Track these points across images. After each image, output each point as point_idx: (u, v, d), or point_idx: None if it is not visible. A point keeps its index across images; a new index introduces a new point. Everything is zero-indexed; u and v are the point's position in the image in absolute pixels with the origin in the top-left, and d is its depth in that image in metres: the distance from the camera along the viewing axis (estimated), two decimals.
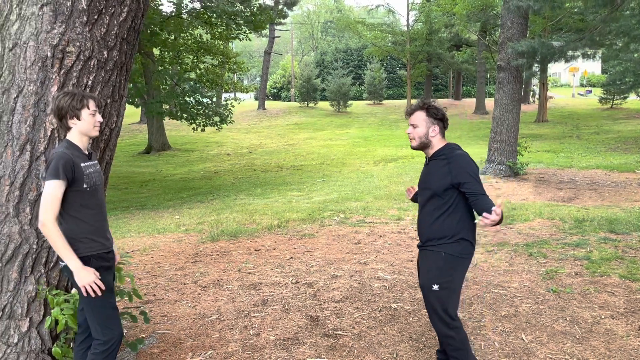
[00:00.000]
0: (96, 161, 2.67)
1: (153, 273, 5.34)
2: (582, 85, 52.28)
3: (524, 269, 4.95)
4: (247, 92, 28.66)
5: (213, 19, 17.40)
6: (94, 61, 2.82)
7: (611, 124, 25.67)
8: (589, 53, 11.98)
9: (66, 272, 2.50)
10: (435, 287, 2.76)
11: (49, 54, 2.75)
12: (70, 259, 2.40)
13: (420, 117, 2.83)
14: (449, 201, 2.75)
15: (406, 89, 42.15)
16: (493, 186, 10.68)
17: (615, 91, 29.22)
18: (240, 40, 18.89)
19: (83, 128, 2.54)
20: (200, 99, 17.83)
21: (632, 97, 33.69)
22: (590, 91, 42.78)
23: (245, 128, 31.95)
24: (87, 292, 2.44)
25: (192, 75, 20.03)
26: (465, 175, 2.68)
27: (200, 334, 3.69)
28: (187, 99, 17.21)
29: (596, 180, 11.05)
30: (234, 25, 17.80)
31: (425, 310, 3.92)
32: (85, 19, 2.77)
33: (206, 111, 17.81)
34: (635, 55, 18.65)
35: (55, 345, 2.84)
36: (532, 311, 3.88)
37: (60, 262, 2.54)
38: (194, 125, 17.67)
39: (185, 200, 11.80)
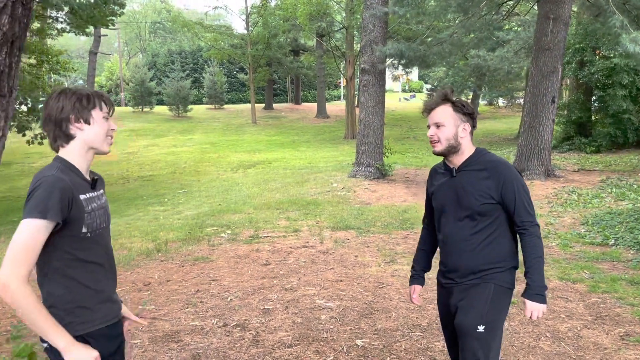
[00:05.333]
0: (102, 191, 1.83)
1: (15, 333, 3.94)
2: (403, 90, 57.03)
3: None
4: None
5: (41, 11, 14.83)
6: None
7: None
8: (449, 59, 12.68)
9: (52, 355, 1.64)
10: (481, 328, 2.14)
11: None
12: (56, 334, 1.56)
13: (446, 113, 2.19)
14: (495, 221, 2.18)
15: (246, 93, 41.65)
16: (368, 189, 10.61)
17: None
18: (76, 34, 16.54)
19: (92, 137, 1.73)
20: (34, 106, 14.84)
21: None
22: (414, 96, 46.77)
23: None
24: None
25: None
26: (516, 194, 2.14)
27: None
28: (19, 107, 14.18)
29: None
30: (63, 19, 15.44)
31: (399, 344, 3.36)
32: None
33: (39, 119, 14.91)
34: (461, 62, 20.54)
35: None
36: (507, 330, 3.54)
37: (42, 344, 1.67)
38: (28, 138, 14.35)
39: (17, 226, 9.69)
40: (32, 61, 19.72)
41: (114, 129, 1.80)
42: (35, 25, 17.57)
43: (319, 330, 3.66)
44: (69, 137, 1.71)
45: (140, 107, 36.46)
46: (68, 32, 17.59)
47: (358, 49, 21.71)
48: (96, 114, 1.73)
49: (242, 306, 4.21)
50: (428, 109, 2.24)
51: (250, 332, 3.68)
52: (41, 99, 19.53)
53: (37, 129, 14.59)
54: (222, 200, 10.40)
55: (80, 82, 52.02)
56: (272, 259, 5.67)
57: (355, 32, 25.15)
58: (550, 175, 10.43)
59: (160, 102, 37.15)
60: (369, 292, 4.44)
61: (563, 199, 8.32)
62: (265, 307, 4.17)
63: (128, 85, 39.26)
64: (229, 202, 9.94)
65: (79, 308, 1.68)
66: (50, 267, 1.64)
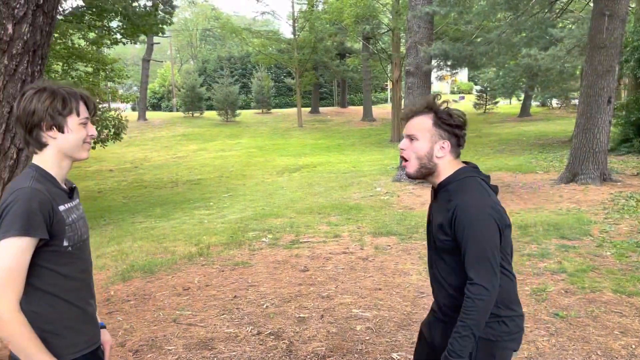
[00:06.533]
0: (78, 200, 1.69)
1: None
2: (452, 92, 55.91)
3: None
4: (127, 101, 26.39)
5: (97, 22, 15.42)
6: None
7: (489, 127, 27.39)
8: (498, 60, 12.29)
9: None
10: None
11: None
12: None
13: (423, 125, 1.84)
14: None
15: (293, 97, 41.92)
16: (413, 193, 10.39)
17: (497, 94, 30.98)
18: (124, 44, 17.14)
19: (67, 146, 1.60)
20: None
21: (502, 102, 36.60)
22: (463, 97, 45.79)
23: (125, 141, 29.32)
24: None
25: (62, 84, 17.81)
26: (465, 241, 1.73)
27: None
28: None
29: (507, 182, 11.24)
30: (117, 28, 16.03)
31: None
32: None
33: (97, 126, 15.48)
34: (512, 62, 19.88)
35: None
36: (554, 346, 3.33)
37: None
38: None
39: None
40: (89, 69, 20.63)
41: (92, 135, 1.65)
42: (92, 35, 18.34)
43: (354, 341, 3.57)
44: (41, 145, 1.59)
45: (191, 112, 37.39)
46: (120, 42, 18.20)
47: (404, 51, 21.47)
48: (71, 121, 1.59)
49: (278, 314, 4.16)
50: (406, 116, 1.91)
51: (284, 341, 3.62)
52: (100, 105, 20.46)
53: None
54: (266, 204, 10.44)
55: (135, 88, 53.92)
56: (310, 265, 5.61)
57: (401, 34, 24.88)
58: (606, 180, 9.90)
59: (210, 107, 37.98)
60: (408, 302, 4.30)
61: (620, 205, 7.86)
62: (301, 315, 4.10)
63: (179, 91, 40.37)
64: (272, 206, 9.97)
65: (66, 329, 1.57)
66: (30, 285, 1.49)
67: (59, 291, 1.55)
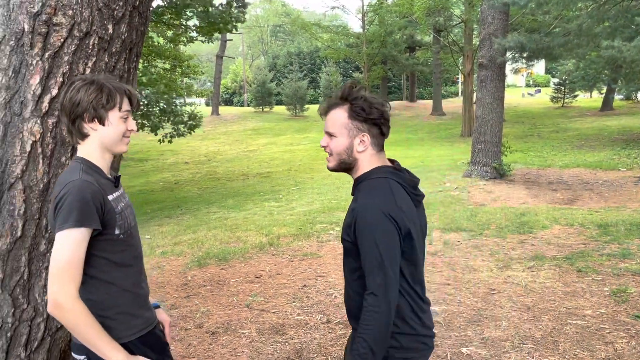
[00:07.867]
0: (123, 189, 1.73)
1: None
2: (528, 85, 53.65)
3: (584, 289, 4.29)
4: (202, 96, 27.41)
5: (175, 20, 16.09)
6: (94, 39, 1.89)
7: (567, 122, 26.08)
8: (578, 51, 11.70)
9: None
10: None
11: (26, 27, 1.81)
12: (112, 350, 1.48)
13: (339, 120, 1.69)
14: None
15: None
16: (484, 189, 10.15)
17: (577, 87, 29.40)
18: (202, 42, 17.81)
19: (107, 139, 1.62)
20: (165, 107, 16.08)
21: (581, 95, 34.72)
22: (539, 91, 43.87)
23: (199, 135, 30.50)
24: None
25: (144, 80, 18.78)
26: (365, 246, 1.59)
27: None
28: (153, 108, 15.44)
29: (586, 179, 10.73)
30: (194, 26, 16.67)
31: (508, 355, 3.17)
32: None
33: (174, 119, 15.98)
34: (593, 54, 18.81)
35: None
36: (634, 349, 3.19)
37: (77, 356, 1.59)
38: (159, 136, 15.73)
39: (151, 217, 10.65)
40: (167, 66, 21.62)
41: (132, 130, 1.67)
42: (169, 33, 19.24)
43: None
44: (83, 135, 1.62)
45: (261, 107, 38.27)
46: (196, 40, 18.93)
47: (477, 43, 20.88)
48: (113, 115, 1.62)
49: None
50: (323, 111, 1.75)
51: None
52: (174, 100, 21.47)
53: (167, 128, 15.88)
54: (333, 197, 10.56)
55: (208, 84, 55.82)
56: None
57: (474, 26, 24.20)
58: None
59: (279, 102, 38.70)
60: (478, 298, 4.25)
61: None
62: None
63: (250, 86, 41.40)
64: (339, 200, 10.07)
65: (121, 314, 1.63)
66: (86, 274, 1.55)
67: (113, 278, 1.61)
